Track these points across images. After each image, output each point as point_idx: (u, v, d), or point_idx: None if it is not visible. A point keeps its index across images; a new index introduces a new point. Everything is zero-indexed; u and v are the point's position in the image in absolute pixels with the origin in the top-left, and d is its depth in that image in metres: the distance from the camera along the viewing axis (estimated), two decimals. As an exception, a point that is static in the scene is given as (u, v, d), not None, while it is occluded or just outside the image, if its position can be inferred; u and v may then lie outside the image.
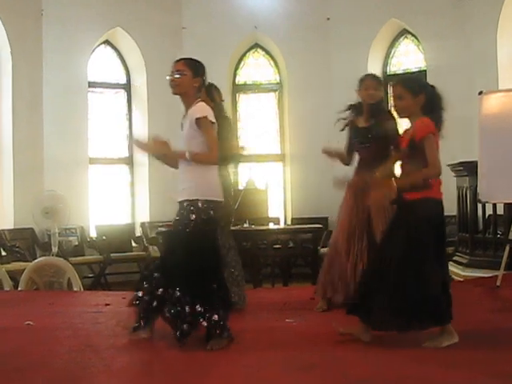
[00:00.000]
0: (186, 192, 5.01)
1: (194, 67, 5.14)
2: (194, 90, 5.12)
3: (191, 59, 5.22)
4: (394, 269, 4.73)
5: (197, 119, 4.98)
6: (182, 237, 4.98)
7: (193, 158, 4.95)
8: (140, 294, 5.15)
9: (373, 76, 6.80)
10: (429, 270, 4.73)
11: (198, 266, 4.87)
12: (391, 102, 5.01)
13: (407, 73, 12.62)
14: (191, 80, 5.10)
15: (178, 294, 4.83)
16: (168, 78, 5.11)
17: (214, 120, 5.04)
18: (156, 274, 5.07)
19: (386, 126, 6.14)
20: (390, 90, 5.10)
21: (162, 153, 5.09)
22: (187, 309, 4.79)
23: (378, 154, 6.06)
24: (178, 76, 5.08)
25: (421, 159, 4.79)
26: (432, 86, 5.08)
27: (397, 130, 6.03)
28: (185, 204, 4.99)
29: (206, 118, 4.98)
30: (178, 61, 5.18)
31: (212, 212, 4.99)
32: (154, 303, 5.04)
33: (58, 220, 10.11)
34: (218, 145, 5.02)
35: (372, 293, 4.80)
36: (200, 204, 4.94)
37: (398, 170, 5.17)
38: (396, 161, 5.21)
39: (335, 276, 6.38)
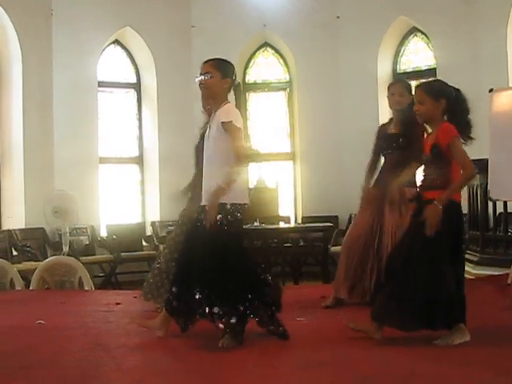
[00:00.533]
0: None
1: (223, 68, 5.07)
2: (224, 91, 5.06)
3: (220, 59, 5.12)
4: (410, 268, 4.73)
5: (222, 123, 4.91)
6: (205, 237, 4.91)
7: (228, 183, 4.83)
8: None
9: (400, 82, 6.81)
10: (444, 271, 4.73)
11: (220, 266, 4.85)
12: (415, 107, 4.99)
13: (417, 71, 12.61)
14: (220, 81, 5.02)
15: (198, 296, 4.84)
16: (197, 80, 5.05)
17: (240, 125, 4.94)
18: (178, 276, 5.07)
19: (412, 133, 6.14)
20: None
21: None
22: (207, 310, 4.82)
23: (402, 161, 6.07)
24: (206, 78, 5.00)
25: (445, 165, 4.87)
26: (457, 90, 5.08)
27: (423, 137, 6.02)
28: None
29: (231, 122, 4.89)
30: (206, 62, 5.09)
31: (239, 214, 4.96)
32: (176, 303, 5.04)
33: (68, 219, 10.13)
34: (243, 150, 4.95)
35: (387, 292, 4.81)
36: (228, 206, 4.89)
37: (420, 176, 5.16)
38: (417, 168, 5.21)
39: (351, 277, 6.40)
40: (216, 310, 4.78)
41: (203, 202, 4.99)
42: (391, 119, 6.68)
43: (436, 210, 4.69)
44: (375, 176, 6.64)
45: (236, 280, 4.87)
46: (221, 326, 4.79)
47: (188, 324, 5.06)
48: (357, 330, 4.94)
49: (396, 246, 5.16)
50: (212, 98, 5.12)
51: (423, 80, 12.28)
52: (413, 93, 6.43)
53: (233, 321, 4.78)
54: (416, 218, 4.88)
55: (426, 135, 5.17)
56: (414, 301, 4.68)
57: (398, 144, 6.33)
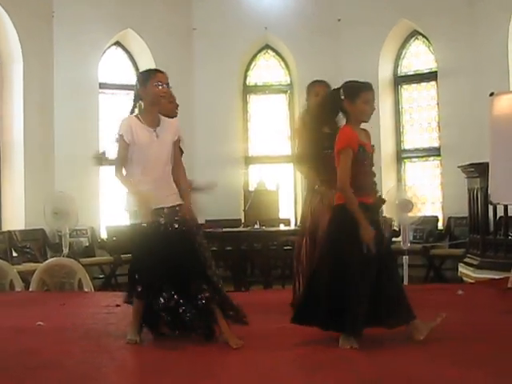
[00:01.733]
0: (175, 197, 5.16)
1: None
2: None
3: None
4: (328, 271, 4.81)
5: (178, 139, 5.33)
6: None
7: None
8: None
9: (320, 81, 6.79)
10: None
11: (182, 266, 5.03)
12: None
13: (419, 74, 12.63)
14: None
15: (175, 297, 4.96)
16: (159, 87, 5.21)
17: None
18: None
19: None
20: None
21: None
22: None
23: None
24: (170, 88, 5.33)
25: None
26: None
27: None
28: (177, 208, 5.12)
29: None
30: (162, 72, 5.35)
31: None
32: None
33: (68, 221, 10.13)
34: None
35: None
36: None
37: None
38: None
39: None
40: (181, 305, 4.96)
41: (169, 204, 5.13)
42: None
43: None
44: None
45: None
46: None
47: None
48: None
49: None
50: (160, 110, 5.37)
51: (423, 83, 12.40)
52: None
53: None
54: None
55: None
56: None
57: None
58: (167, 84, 5.21)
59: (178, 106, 5.96)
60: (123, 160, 5.22)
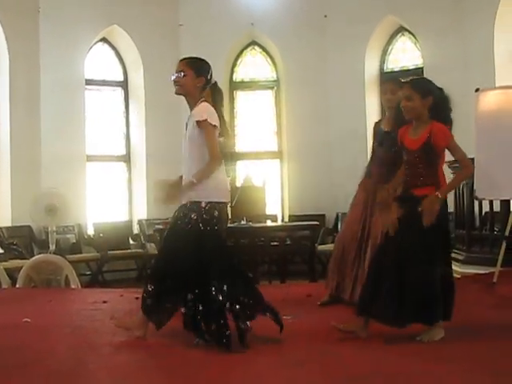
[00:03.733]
0: (191, 194, 4.92)
1: (197, 66, 5.06)
2: (197, 90, 5.03)
3: (194, 58, 5.13)
4: (405, 266, 4.78)
5: (197, 122, 4.90)
6: (182, 236, 4.93)
7: (200, 179, 4.85)
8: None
9: (392, 80, 6.80)
10: (436, 270, 4.79)
11: (193, 265, 4.86)
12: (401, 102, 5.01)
13: (405, 71, 12.64)
14: (194, 80, 5.01)
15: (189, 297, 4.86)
16: (172, 78, 5.06)
17: (215, 123, 4.92)
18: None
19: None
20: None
21: (175, 196, 4.94)
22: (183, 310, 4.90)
23: (391, 158, 6.06)
24: (179, 76, 5.01)
25: (434, 163, 4.96)
26: (440, 89, 5.14)
27: None
28: (188, 205, 4.92)
29: (206, 121, 4.88)
30: (181, 60, 5.13)
31: (216, 213, 4.94)
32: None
33: (60, 217, 10.12)
34: (218, 148, 4.93)
35: (379, 289, 4.82)
36: (203, 204, 4.88)
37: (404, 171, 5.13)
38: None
39: (342, 274, 6.45)
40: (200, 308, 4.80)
41: (183, 201, 4.97)
42: (386, 117, 6.70)
43: (436, 201, 4.76)
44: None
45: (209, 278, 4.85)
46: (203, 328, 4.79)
47: (162, 322, 5.06)
48: (345, 331, 4.95)
49: (385, 245, 5.11)
50: (186, 96, 5.09)
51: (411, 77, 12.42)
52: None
53: (213, 327, 4.76)
54: (406, 218, 4.90)
55: (404, 130, 5.13)
56: (402, 297, 4.72)
57: (388, 141, 6.32)
58: (179, 71, 5.03)
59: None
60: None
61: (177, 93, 5.09)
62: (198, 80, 5.03)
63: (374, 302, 4.82)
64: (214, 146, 4.90)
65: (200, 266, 4.83)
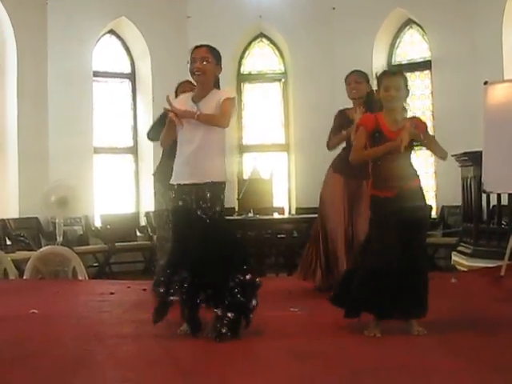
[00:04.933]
0: (203, 174, 4.85)
1: (217, 55, 5.02)
2: (213, 78, 5.00)
3: (212, 47, 5.06)
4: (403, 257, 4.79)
5: (226, 98, 4.87)
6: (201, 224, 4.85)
7: (202, 117, 4.81)
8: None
9: (356, 71, 6.77)
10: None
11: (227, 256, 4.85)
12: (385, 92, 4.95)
13: (413, 63, 12.63)
14: (214, 68, 4.98)
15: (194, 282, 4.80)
16: (192, 64, 4.96)
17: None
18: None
19: None
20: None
21: (181, 113, 4.84)
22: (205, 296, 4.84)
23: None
24: (204, 63, 4.92)
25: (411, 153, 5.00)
26: None
27: None
28: (207, 192, 4.82)
29: (234, 98, 4.96)
30: (199, 47, 5.03)
31: (222, 196, 4.92)
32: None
33: (71, 209, 10.18)
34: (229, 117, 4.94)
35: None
36: (221, 187, 4.88)
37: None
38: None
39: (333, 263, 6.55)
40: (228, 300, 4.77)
41: (188, 180, 4.86)
42: (352, 107, 6.68)
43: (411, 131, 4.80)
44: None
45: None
46: (218, 312, 4.76)
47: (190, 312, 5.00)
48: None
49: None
50: (201, 84, 4.99)
51: (417, 72, 12.40)
52: (369, 81, 6.51)
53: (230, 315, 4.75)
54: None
55: (375, 119, 5.05)
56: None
57: None
58: (202, 58, 4.92)
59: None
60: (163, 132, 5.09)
61: (198, 80, 4.97)
62: (216, 68, 5.01)
63: (394, 305, 4.82)
64: (231, 115, 4.92)
65: (222, 254, 4.81)
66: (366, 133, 4.94)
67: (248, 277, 4.83)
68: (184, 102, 5.00)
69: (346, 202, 6.63)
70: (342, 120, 6.72)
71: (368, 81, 6.64)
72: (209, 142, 4.89)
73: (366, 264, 4.86)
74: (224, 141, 5.04)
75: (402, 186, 4.87)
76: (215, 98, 4.92)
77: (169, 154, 5.52)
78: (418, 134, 4.85)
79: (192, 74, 4.98)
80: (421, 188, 5.00)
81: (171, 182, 4.97)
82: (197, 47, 5.05)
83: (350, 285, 4.92)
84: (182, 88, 6.27)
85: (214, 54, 5.00)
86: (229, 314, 4.71)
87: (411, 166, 4.99)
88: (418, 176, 5.01)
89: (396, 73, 5.12)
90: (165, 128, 5.05)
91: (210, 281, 4.78)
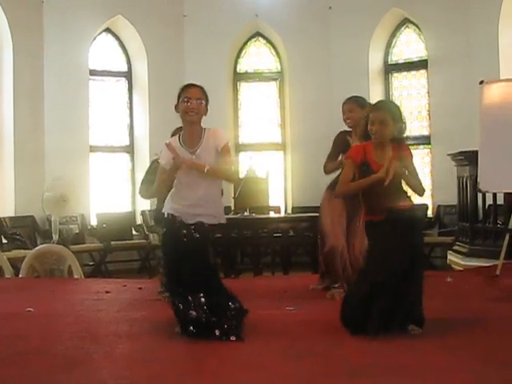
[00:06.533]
0: (207, 218, 4.91)
1: (207, 95, 4.98)
2: (202, 118, 4.97)
3: (203, 88, 5.01)
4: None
5: (226, 146, 4.90)
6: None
7: (211, 172, 4.83)
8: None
9: (349, 98, 6.72)
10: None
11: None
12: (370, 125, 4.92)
13: (409, 63, 12.64)
14: (205, 110, 4.95)
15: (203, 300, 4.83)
16: (184, 102, 4.89)
17: None
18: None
19: None
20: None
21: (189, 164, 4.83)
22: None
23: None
24: (200, 104, 4.90)
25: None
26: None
27: None
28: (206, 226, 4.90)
29: (228, 143, 4.96)
30: (193, 86, 4.99)
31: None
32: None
33: (71, 207, 10.20)
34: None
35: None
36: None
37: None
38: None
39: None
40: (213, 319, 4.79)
41: (191, 221, 4.90)
42: (352, 131, 6.66)
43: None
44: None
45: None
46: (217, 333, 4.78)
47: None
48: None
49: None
50: (193, 125, 4.94)
51: (413, 71, 12.40)
52: (364, 106, 6.45)
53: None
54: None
55: (362, 150, 5.04)
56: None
57: None
58: (198, 99, 4.89)
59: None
60: (159, 184, 5.02)
61: (192, 120, 4.90)
62: (207, 109, 4.98)
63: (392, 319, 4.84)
64: (235, 164, 5.00)
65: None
66: (354, 166, 4.94)
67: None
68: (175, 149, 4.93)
69: (344, 220, 6.63)
70: (342, 142, 6.68)
71: (363, 106, 6.56)
72: (214, 187, 4.98)
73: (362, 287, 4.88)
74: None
75: (392, 208, 4.88)
76: (211, 143, 4.89)
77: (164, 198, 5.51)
78: (403, 172, 4.86)
79: (184, 113, 4.90)
80: (413, 209, 5.03)
81: (173, 212, 4.96)
82: (190, 86, 5.00)
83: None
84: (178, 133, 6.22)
85: (207, 96, 4.97)
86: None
87: (401, 189, 4.98)
88: (410, 198, 5.01)
89: (381, 108, 5.03)
90: (160, 178, 5.00)
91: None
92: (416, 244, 4.94)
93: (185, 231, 4.87)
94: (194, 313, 4.75)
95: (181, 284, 4.83)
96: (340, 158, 6.59)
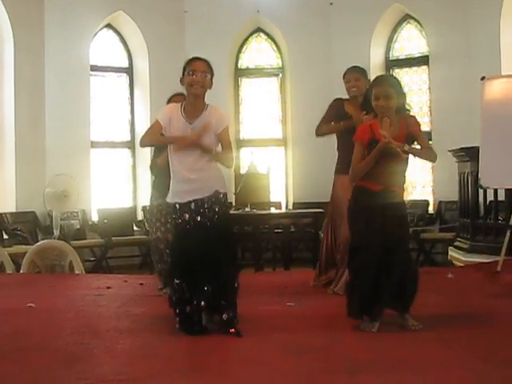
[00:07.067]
0: (203, 190, 4.91)
1: (212, 69, 5.01)
2: (205, 93, 5.00)
3: (209, 61, 5.05)
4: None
5: (226, 128, 4.96)
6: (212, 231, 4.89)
7: (217, 156, 4.94)
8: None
9: (355, 67, 6.73)
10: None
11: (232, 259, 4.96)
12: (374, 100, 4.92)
13: (410, 58, 12.63)
14: (210, 83, 4.99)
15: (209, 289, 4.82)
16: (189, 75, 4.92)
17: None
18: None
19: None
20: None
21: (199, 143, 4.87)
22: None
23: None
24: (205, 77, 4.92)
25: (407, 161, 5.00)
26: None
27: None
28: (206, 200, 4.89)
29: (227, 125, 4.99)
30: (199, 59, 5.02)
31: (227, 202, 5.03)
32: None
33: (72, 203, 10.21)
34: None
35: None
36: (221, 196, 4.93)
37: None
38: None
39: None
40: (223, 302, 4.82)
41: (191, 198, 4.91)
42: (350, 101, 6.65)
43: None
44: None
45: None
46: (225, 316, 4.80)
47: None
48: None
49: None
50: (198, 98, 4.98)
51: (415, 67, 12.38)
52: (367, 77, 6.49)
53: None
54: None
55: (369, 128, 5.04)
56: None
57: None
58: (203, 72, 4.92)
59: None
60: (151, 134, 5.05)
61: (196, 93, 4.94)
62: (211, 83, 5.01)
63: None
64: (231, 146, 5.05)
65: (226, 255, 4.90)
66: (362, 146, 4.96)
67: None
68: (176, 114, 5.00)
69: None
70: (338, 110, 6.68)
71: (366, 76, 6.61)
72: (211, 162, 4.97)
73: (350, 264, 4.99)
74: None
75: (388, 187, 4.91)
76: (212, 120, 4.92)
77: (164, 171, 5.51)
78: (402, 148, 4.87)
79: (189, 85, 4.94)
80: (403, 199, 5.11)
81: (170, 201, 5.01)
82: (196, 59, 5.04)
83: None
84: (175, 100, 6.20)
85: (212, 70, 5.01)
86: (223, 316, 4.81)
87: (403, 176, 5.02)
88: (404, 188, 5.06)
89: (384, 82, 5.07)
90: (160, 137, 5.08)
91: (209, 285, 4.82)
92: (402, 225, 4.99)
93: (187, 215, 4.89)
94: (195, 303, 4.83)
95: (185, 273, 4.86)
96: (340, 124, 6.53)
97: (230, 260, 4.93)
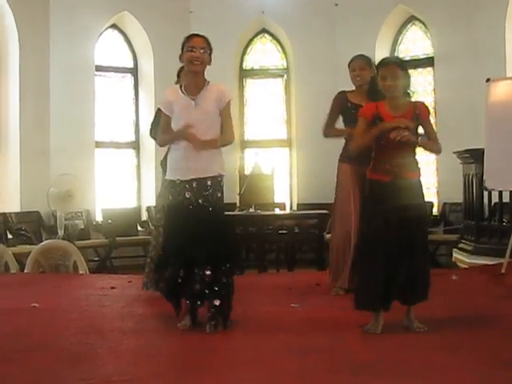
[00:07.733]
0: (206, 169, 4.95)
1: (211, 47, 5.06)
2: (205, 69, 5.05)
3: (207, 38, 5.09)
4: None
5: (229, 102, 5.01)
6: (206, 217, 4.92)
7: (216, 145, 4.98)
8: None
9: (360, 56, 6.75)
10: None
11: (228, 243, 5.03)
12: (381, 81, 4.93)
13: (415, 60, 12.60)
14: (209, 59, 5.04)
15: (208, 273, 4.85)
16: (188, 52, 4.97)
17: None
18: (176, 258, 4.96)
19: None
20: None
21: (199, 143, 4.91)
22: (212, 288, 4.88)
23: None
24: (204, 53, 4.97)
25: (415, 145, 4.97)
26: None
27: None
28: (208, 182, 4.93)
29: (230, 100, 5.05)
30: (197, 36, 5.06)
31: (222, 183, 5.05)
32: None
33: (77, 203, 10.23)
34: None
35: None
36: (219, 178, 4.98)
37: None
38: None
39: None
40: (217, 287, 4.85)
41: (191, 177, 4.95)
42: (354, 91, 6.65)
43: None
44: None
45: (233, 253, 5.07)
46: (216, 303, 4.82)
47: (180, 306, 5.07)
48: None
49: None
50: (198, 74, 5.04)
51: (420, 69, 12.36)
52: (372, 66, 6.48)
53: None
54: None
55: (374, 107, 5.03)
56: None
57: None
58: (202, 48, 4.97)
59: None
60: (163, 129, 5.14)
61: (196, 70, 5.01)
62: (210, 59, 5.06)
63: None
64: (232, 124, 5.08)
65: (224, 241, 4.95)
66: (366, 122, 4.96)
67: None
68: (176, 96, 5.06)
69: (357, 189, 6.48)
70: (342, 102, 6.68)
71: (371, 66, 6.61)
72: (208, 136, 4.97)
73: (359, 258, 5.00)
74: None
75: (399, 174, 4.88)
76: (213, 93, 4.99)
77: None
78: (416, 140, 4.90)
79: (189, 62, 5.00)
80: (420, 182, 5.00)
81: (171, 177, 5.01)
82: (194, 35, 5.08)
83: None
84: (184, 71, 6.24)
85: (211, 46, 5.05)
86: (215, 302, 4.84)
87: (414, 158, 4.99)
88: (419, 169, 5.01)
89: (390, 62, 5.09)
90: (167, 135, 5.13)
91: (203, 270, 4.85)
92: (419, 224, 4.92)
93: (189, 193, 4.93)
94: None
95: (181, 256, 4.90)
96: (349, 130, 6.49)
97: (226, 244, 4.97)
